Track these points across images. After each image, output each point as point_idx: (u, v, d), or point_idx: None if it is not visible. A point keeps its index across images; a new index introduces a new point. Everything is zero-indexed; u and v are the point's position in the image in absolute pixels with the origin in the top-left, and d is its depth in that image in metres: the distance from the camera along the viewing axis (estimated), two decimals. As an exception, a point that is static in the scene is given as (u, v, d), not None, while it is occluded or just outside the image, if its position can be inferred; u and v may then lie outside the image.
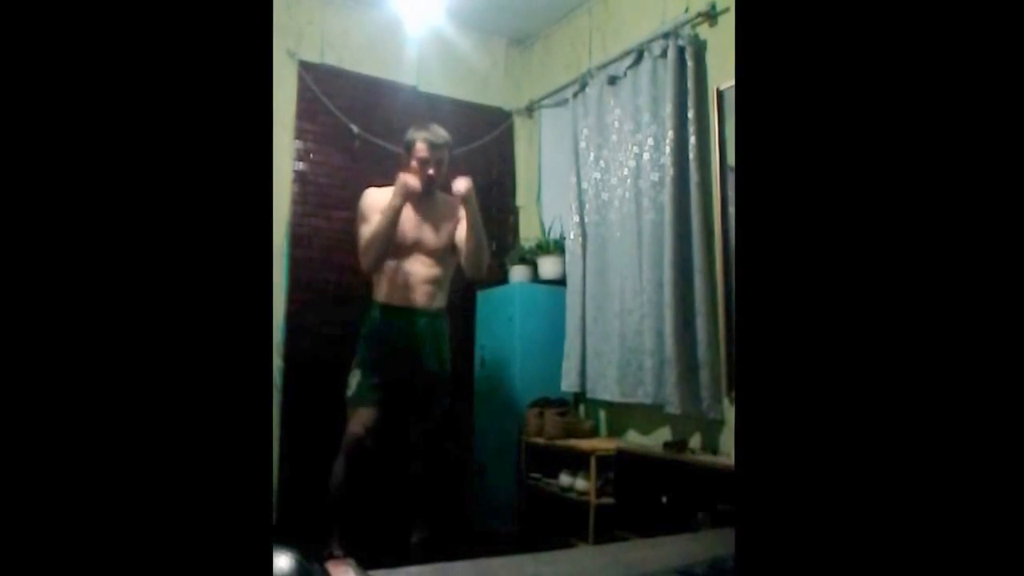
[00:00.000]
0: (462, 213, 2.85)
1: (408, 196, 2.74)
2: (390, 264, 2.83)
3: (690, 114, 3.02)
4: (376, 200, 2.84)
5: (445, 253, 2.92)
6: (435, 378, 2.90)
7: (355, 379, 2.84)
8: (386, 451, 3.02)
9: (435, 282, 2.89)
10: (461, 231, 2.89)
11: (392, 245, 2.77)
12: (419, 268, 2.86)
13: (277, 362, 3.48)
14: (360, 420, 2.79)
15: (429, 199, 2.88)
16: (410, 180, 2.75)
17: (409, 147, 2.83)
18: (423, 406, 2.90)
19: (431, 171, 2.81)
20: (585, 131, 3.63)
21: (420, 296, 2.86)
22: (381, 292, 2.88)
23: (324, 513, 2.81)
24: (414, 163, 2.80)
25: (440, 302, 2.93)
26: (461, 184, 2.76)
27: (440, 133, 2.85)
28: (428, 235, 2.87)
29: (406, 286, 2.84)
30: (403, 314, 2.85)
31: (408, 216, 2.82)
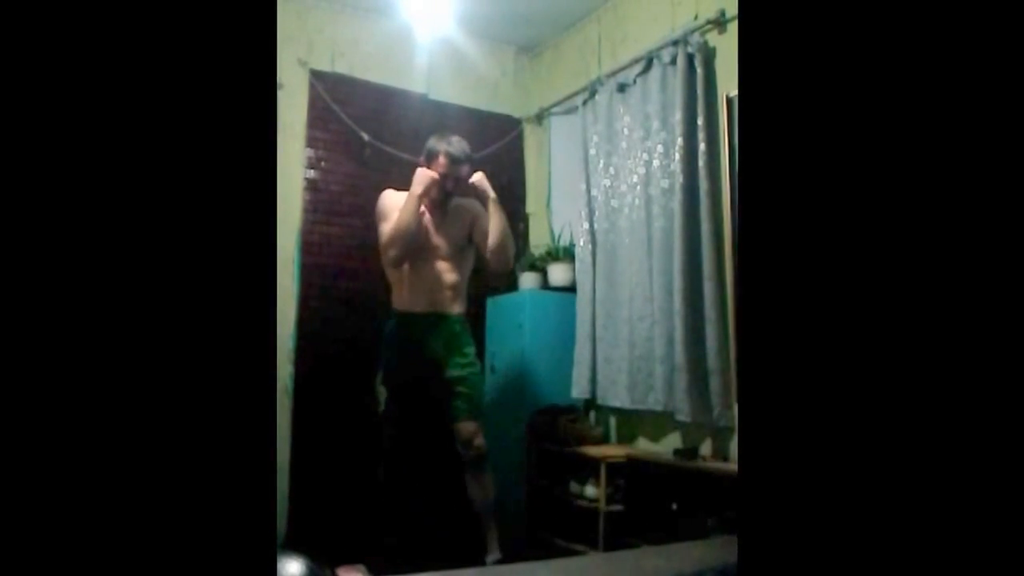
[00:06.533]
0: (478, 211, 2.90)
1: (429, 187, 2.77)
2: (408, 271, 2.85)
3: (699, 121, 3.02)
4: (395, 200, 2.86)
5: (461, 257, 2.94)
6: (466, 383, 2.89)
7: (383, 395, 2.90)
8: (430, 464, 3.08)
9: (455, 287, 2.91)
10: (481, 228, 2.91)
11: (416, 237, 2.79)
12: (438, 273, 2.88)
13: (288, 368, 3.49)
14: (393, 436, 2.86)
15: (443, 207, 2.90)
16: (430, 172, 2.78)
17: (430, 158, 2.85)
18: (457, 412, 2.87)
19: (449, 186, 2.84)
20: (595, 138, 3.63)
21: (442, 301, 2.88)
22: (402, 300, 2.89)
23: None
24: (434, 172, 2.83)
25: (461, 307, 2.95)
26: (474, 175, 2.85)
27: (461, 147, 2.86)
28: (443, 241, 2.89)
29: (427, 291, 2.86)
30: (427, 320, 2.86)
31: (423, 223, 2.84)
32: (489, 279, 3.55)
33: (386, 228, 2.82)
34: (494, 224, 2.86)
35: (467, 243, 2.96)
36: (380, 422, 2.91)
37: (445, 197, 2.85)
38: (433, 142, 2.87)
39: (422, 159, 2.89)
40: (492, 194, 2.86)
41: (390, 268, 2.90)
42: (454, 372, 2.86)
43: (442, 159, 2.81)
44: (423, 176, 2.76)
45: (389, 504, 2.91)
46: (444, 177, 2.81)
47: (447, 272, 2.89)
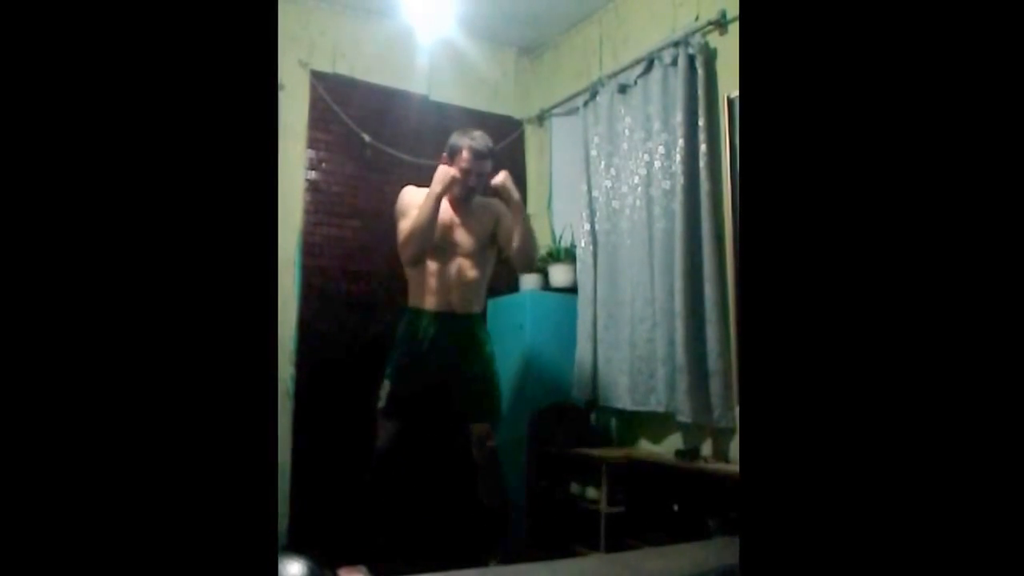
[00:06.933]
0: (502, 210, 2.84)
1: (448, 186, 2.70)
2: (429, 268, 2.79)
3: (700, 122, 3.03)
4: (415, 197, 2.79)
5: (482, 255, 2.87)
6: (484, 382, 2.85)
7: (385, 391, 2.79)
8: (428, 464, 3.04)
9: (475, 285, 2.85)
10: (504, 228, 2.86)
11: (433, 237, 2.73)
12: (459, 271, 2.81)
13: (289, 370, 3.49)
14: (390, 434, 2.77)
15: (466, 203, 2.84)
16: (450, 170, 2.71)
17: (453, 154, 2.78)
18: (472, 412, 2.83)
19: (472, 181, 2.77)
20: (596, 139, 3.63)
21: (461, 299, 2.81)
22: (420, 297, 2.82)
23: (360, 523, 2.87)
24: (456, 170, 2.75)
25: (479, 306, 2.90)
26: (499, 176, 2.76)
27: (484, 142, 2.79)
28: (465, 238, 2.82)
29: (447, 289, 2.79)
30: (444, 318, 2.79)
31: (445, 219, 2.78)
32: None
33: (404, 226, 2.76)
34: (519, 227, 2.81)
35: (489, 242, 2.89)
36: (374, 419, 2.80)
37: (468, 193, 2.79)
38: (455, 138, 2.80)
39: (445, 155, 2.82)
40: (516, 196, 2.79)
41: (408, 266, 2.85)
42: (473, 371, 2.82)
43: (465, 154, 2.74)
44: (443, 174, 2.70)
45: (379, 504, 2.83)
46: (467, 172, 2.74)
47: (468, 270, 2.82)
